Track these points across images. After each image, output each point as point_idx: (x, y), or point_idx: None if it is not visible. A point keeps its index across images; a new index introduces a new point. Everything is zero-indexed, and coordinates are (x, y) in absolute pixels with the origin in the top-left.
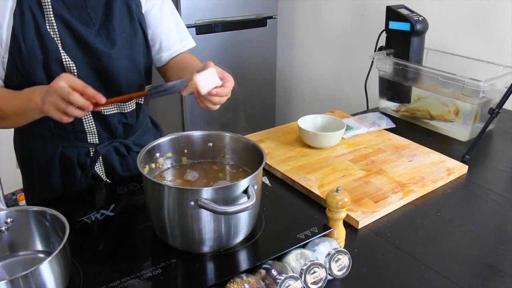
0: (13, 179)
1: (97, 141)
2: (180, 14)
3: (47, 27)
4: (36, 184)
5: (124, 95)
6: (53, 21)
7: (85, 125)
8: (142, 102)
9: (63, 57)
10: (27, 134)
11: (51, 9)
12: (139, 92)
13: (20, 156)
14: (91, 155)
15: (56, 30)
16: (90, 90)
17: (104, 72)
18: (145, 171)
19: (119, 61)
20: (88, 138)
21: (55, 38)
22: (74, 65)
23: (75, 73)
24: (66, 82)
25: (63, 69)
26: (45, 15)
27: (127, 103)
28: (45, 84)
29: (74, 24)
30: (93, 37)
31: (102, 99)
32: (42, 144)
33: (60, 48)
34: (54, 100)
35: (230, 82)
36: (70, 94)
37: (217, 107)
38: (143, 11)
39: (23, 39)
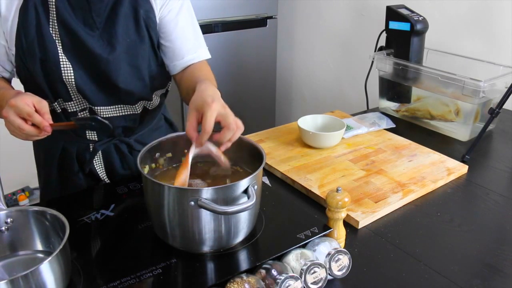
0: (13, 179)
1: (96, 138)
2: None
3: (50, 27)
4: (41, 175)
5: (69, 121)
6: (55, 22)
7: None
8: (150, 108)
9: (61, 58)
10: None
11: (54, 9)
12: (68, 122)
13: (33, 146)
14: (90, 150)
15: (57, 30)
16: (36, 118)
17: (102, 76)
18: (145, 171)
19: (118, 67)
20: (87, 134)
21: (56, 39)
22: (71, 67)
23: (72, 75)
24: (14, 112)
25: (60, 69)
26: (49, 15)
27: (134, 106)
28: (41, 79)
29: (75, 27)
30: (93, 41)
31: (47, 129)
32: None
33: (59, 49)
34: (13, 130)
35: (229, 132)
36: (21, 129)
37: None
38: (157, 17)
39: (24, 36)
